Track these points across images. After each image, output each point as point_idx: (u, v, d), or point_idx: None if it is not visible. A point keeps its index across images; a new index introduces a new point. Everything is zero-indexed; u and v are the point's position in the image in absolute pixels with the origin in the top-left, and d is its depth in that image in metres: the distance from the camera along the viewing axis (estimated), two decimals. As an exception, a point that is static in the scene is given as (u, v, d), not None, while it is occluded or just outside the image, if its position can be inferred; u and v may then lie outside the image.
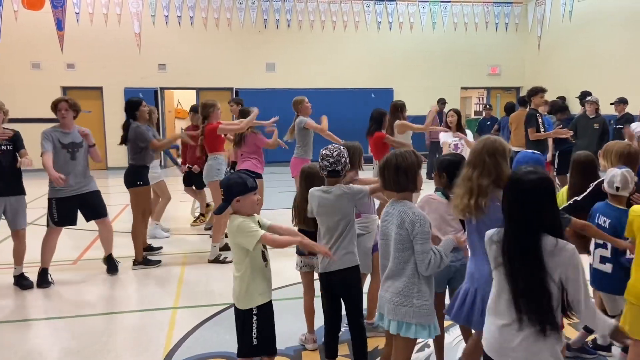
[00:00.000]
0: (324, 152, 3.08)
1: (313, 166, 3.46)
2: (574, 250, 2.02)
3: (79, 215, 5.23)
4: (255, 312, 2.81)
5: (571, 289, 2.01)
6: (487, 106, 12.78)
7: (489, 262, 2.19)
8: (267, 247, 2.86)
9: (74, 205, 5.11)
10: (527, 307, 2.00)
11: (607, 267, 3.13)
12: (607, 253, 3.13)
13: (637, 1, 11.93)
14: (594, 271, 3.23)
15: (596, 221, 3.18)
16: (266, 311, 2.85)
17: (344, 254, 3.10)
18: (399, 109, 6.60)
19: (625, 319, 2.85)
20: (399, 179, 2.63)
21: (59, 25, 13.48)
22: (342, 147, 3.13)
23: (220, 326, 4.05)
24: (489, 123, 11.58)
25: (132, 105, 5.66)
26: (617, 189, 3.11)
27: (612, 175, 3.14)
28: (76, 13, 13.55)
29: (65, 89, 13.94)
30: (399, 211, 2.62)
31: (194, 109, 7.30)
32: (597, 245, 3.19)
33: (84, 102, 13.66)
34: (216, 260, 5.71)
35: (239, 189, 2.76)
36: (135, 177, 5.59)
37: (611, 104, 8.59)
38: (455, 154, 3.25)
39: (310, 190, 3.16)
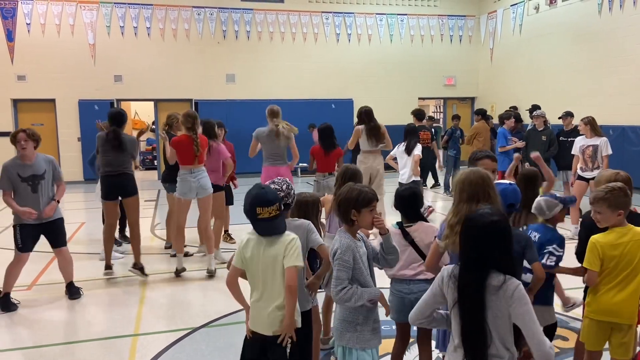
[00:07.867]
0: (273, 186, 2.83)
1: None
2: (519, 285, 2.11)
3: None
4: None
5: (520, 322, 2.07)
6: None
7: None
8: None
9: (37, 233, 5.12)
10: (468, 346, 2.10)
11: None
12: None
13: (582, 17, 12.53)
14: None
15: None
16: None
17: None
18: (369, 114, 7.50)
19: (584, 332, 3.11)
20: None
21: (9, 36, 13.03)
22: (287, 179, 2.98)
23: (182, 353, 4.03)
24: (443, 134, 12.02)
25: (119, 117, 5.83)
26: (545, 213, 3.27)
27: (535, 202, 3.26)
28: (27, 24, 13.14)
29: (15, 101, 13.49)
30: (335, 240, 2.73)
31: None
32: None
33: (36, 114, 13.57)
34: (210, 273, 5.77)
35: None
36: (136, 184, 5.93)
37: (559, 117, 8.87)
38: (406, 188, 3.35)
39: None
